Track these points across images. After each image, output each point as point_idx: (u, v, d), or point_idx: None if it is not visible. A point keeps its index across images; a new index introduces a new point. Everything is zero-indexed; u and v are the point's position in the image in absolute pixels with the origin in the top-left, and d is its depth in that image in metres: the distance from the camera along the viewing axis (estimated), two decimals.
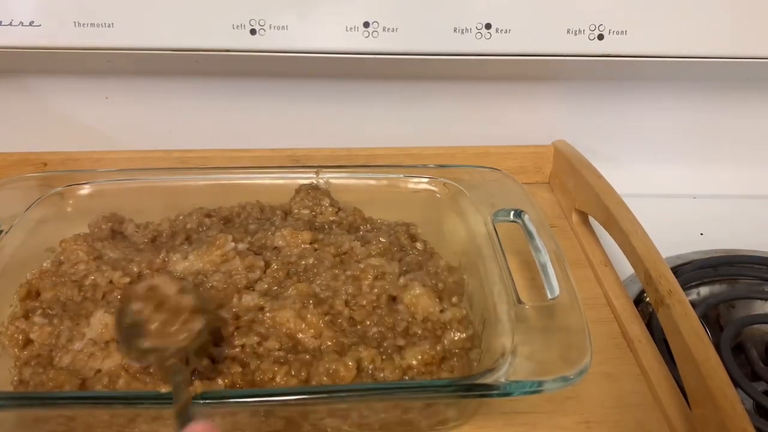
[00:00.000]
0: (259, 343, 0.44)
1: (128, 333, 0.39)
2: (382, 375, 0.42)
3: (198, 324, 0.40)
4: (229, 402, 0.38)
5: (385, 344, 0.44)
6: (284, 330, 0.44)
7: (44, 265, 0.52)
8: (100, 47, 0.61)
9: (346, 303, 0.47)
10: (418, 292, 0.48)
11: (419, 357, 0.43)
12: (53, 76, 0.71)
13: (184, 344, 0.39)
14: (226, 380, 0.41)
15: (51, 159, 0.69)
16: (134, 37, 0.61)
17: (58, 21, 0.60)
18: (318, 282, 0.49)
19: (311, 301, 0.47)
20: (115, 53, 0.62)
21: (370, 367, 0.42)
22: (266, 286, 0.49)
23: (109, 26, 0.60)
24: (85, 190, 0.58)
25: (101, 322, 0.44)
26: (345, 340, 0.44)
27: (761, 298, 0.60)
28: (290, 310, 0.45)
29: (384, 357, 0.43)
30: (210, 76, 0.72)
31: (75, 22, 0.60)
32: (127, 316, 0.40)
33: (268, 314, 0.45)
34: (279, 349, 0.43)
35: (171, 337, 0.39)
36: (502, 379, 0.38)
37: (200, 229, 0.57)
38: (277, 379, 0.41)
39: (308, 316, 0.45)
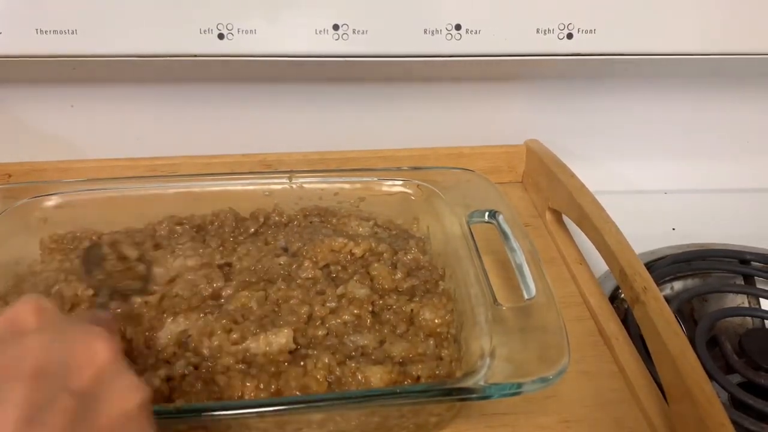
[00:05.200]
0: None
1: (90, 261, 0.50)
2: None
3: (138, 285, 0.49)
4: (211, 415, 0.37)
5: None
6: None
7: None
8: (63, 54, 0.60)
9: (323, 320, 0.47)
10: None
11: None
12: (16, 84, 0.70)
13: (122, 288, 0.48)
14: (191, 399, 0.40)
15: (15, 170, 0.67)
16: (99, 43, 0.60)
17: (19, 28, 0.58)
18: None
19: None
20: (79, 60, 0.61)
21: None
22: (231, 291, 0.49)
23: (72, 33, 0.59)
24: (52, 201, 0.56)
25: None
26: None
27: (733, 291, 0.61)
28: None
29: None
30: (178, 82, 0.71)
31: (37, 29, 0.58)
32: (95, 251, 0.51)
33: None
34: (238, 363, 0.43)
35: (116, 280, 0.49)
36: (481, 382, 0.38)
37: (171, 237, 0.56)
38: (247, 394, 0.41)
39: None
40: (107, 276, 0.49)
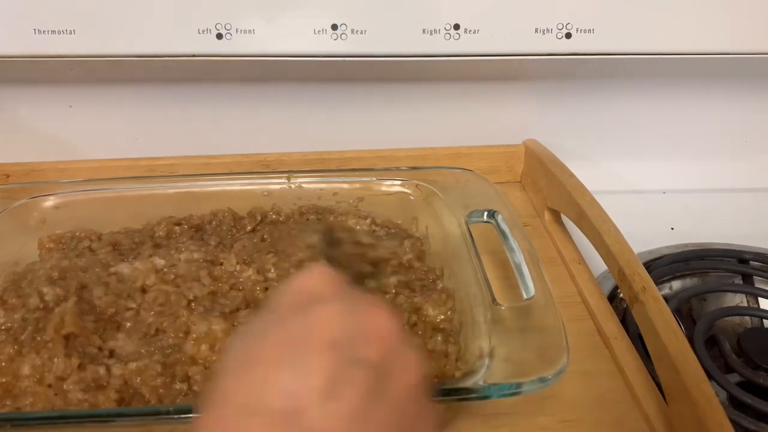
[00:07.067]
0: None
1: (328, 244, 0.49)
2: None
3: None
4: None
5: None
6: None
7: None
8: (61, 54, 0.60)
9: None
10: None
11: None
12: (14, 84, 0.69)
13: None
14: None
15: (14, 170, 0.67)
16: (97, 43, 0.60)
17: (17, 28, 0.58)
18: None
19: None
20: (77, 60, 0.61)
21: None
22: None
23: (70, 33, 0.59)
24: (50, 201, 0.57)
25: None
26: None
27: (732, 291, 0.61)
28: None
29: None
30: (177, 82, 0.71)
31: (35, 29, 0.58)
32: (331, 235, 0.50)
33: None
34: None
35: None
36: (481, 382, 0.38)
37: (171, 237, 0.56)
38: None
39: None
40: (345, 259, 0.49)
